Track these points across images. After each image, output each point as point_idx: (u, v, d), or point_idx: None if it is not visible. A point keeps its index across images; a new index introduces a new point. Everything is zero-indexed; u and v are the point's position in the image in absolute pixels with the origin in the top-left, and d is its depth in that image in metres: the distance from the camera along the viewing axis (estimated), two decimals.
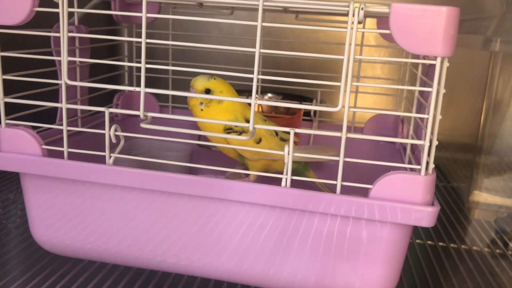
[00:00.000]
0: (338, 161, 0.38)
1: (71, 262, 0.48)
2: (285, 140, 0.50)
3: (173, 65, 0.69)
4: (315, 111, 0.66)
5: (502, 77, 0.62)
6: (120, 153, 0.42)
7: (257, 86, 0.55)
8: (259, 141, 0.49)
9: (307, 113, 0.68)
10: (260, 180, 0.45)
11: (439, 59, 0.35)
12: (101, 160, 0.42)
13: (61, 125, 0.43)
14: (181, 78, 0.63)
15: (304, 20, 0.63)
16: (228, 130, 0.48)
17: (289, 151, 0.39)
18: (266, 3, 0.38)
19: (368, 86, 0.44)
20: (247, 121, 0.49)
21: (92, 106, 0.44)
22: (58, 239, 0.45)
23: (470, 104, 0.72)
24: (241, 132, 0.48)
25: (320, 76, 0.76)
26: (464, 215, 0.65)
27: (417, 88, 0.39)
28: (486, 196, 0.65)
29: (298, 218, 0.40)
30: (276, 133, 0.50)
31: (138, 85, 0.41)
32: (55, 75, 0.51)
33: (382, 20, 0.60)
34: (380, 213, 0.37)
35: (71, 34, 0.42)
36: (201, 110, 0.48)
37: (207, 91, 0.49)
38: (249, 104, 0.39)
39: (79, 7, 0.51)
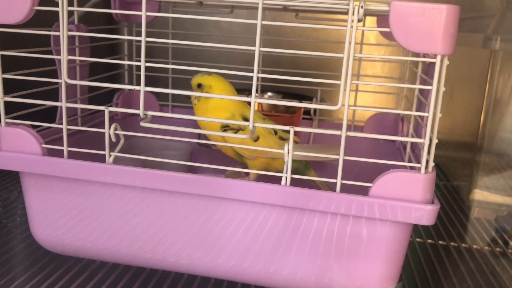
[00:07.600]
0: (338, 160, 0.38)
1: (71, 261, 0.48)
2: (284, 140, 0.50)
3: (173, 64, 0.69)
4: (315, 110, 0.66)
5: (502, 76, 0.62)
6: (120, 152, 0.42)
7: (257, 85, 0.55)
8: (256, 139, 0.49)
9: (307, 112, 0.68)
10: (260, 179, 0.45)
11: (439, 57, 0.35)
12: (101, 159, 0.42)
13: (61, 124, 0.43)
14: (181, 77, 0.63)
15: (304, 18, 0.63)
16: (225, 127, 0.48)
17: (289, 150, 0.39)
18: (266, 2, 0.38)
19: (368, 85, 0.44)
20: (245, 119, 0.49)
21: (92, 105, 0.44)
22: (58, 238, 0.45)
23: (470, 102, 0.72)
24: (237, 130, 0.48)
25: (320, 75, 0.75)
26: (464, 214, 0.65)
27: (417, 86, 0.39)
28: (486, 195, 0.65)
29: (298, 216, 0.40)
30: (275, 132, 0.50)
31: (138, 84, 0.41)
32: (55, 74, 0.51)
33: (382, 18, 0.60)
34: (380, 212, 0.37)
35: (71, 33, 0.42)
36: (195, 104, 0.50)
37: (199, 86, 0.50)
38: (249, 103, 0.39)
39: (79, 6, 0.51)
